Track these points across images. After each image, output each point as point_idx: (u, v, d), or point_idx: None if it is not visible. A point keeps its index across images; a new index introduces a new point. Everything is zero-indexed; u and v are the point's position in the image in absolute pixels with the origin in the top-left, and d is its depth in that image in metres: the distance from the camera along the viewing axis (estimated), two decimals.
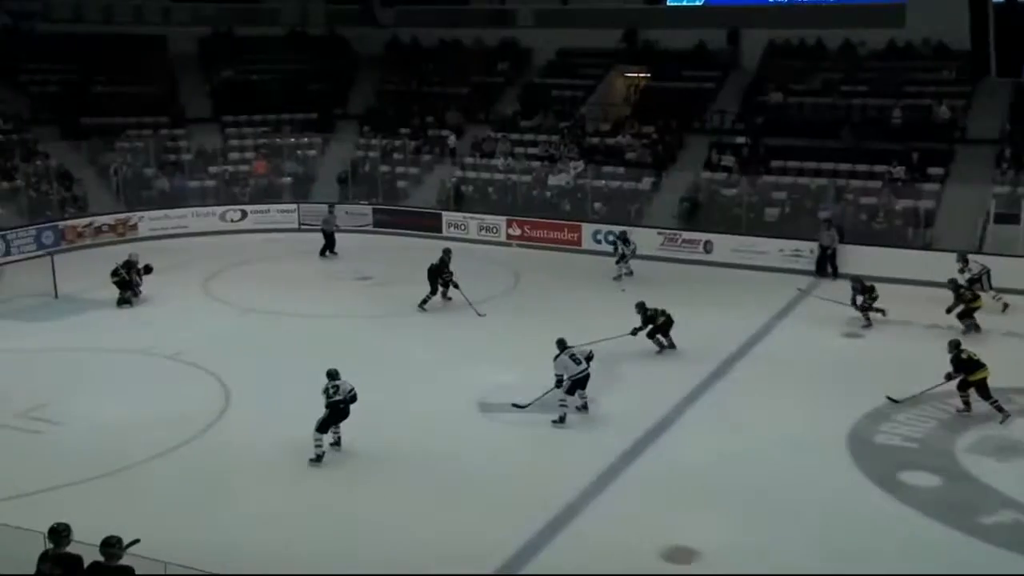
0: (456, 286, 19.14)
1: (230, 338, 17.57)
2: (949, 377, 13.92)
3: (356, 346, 16.73)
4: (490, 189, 27.38)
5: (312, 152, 29.86)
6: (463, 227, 26.09)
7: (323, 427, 12.44)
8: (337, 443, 12.67)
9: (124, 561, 8.03)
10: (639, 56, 30.56)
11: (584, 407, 14.02)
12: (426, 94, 31.51)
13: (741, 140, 26.42)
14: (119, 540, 8.08)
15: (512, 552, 10.34)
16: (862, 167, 24.40)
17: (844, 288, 18.84)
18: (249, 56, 32.49)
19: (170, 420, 13.58)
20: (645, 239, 23.62)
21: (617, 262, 21.91)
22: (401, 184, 28.53)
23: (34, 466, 12.24)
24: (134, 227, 25.80)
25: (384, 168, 28.71)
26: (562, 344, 13.94)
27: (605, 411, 14.15)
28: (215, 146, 28.86)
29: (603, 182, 26.22)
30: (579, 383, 13.77)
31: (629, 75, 30.70)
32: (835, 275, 21.51)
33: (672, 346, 16.79)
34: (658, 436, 13.35)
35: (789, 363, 16.26)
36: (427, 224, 26.23)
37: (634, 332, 16.49)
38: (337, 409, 12.45)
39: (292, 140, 29.78)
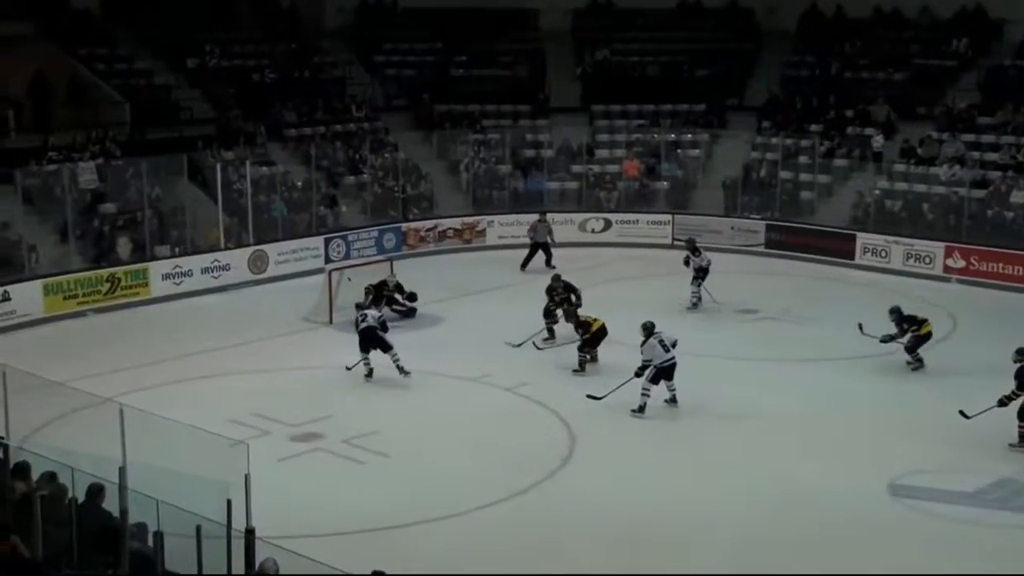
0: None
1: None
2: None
3: (726, 396, 16.63)
4: (925, 206, 26.39)
5: (696, 152, 30.18)
6: (884, 254, 25.27)
7: (363, 349, 17.43)
8: (402, 371, 17.34)
9: None
10: None
11: (673, 399, 15.93)
12: (848, 80, 30.94)
13: None
14: None
15: None
16: None
17: None
18: (630, 34, 33.49)
19: (505, 464, 14.26)
20: None
21: (693, 280, 21.54)
22: (806, 195, 28.18)
23: (357, 501, 13.28)
24: (481, 233, 27.50)
25: (785, 175, 28.41)
26: (650, 329, 15.89)
27: None
28: (580, 141, 29.96)
29: None
30: (664, 372, 15.66)
31: None
32: None
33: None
34: None
35: None
36: (836, 248, 25.74)
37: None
38: (366, 336, 17.29)
39: (672, 137, 30.24)
